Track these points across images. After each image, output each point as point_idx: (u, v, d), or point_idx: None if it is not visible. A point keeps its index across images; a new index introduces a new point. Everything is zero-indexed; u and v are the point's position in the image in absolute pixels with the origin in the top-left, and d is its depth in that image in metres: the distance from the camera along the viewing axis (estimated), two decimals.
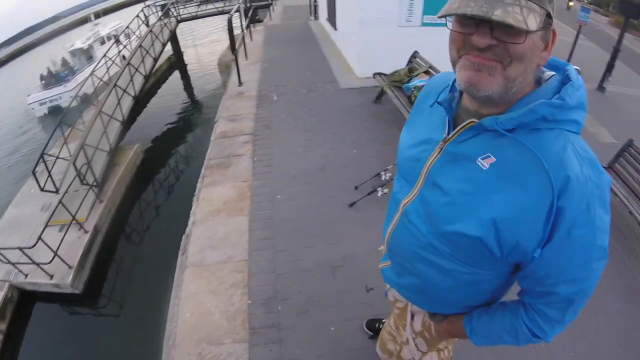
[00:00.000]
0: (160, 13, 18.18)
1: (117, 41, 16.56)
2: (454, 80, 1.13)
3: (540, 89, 1.03)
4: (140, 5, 19.46)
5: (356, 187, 4.55)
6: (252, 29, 12.33)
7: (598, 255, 1.02)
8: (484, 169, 1.05)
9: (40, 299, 7.38)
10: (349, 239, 3.90)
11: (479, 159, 1.07)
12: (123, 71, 11.99)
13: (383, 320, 2.86)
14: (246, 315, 3.17)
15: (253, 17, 13.53)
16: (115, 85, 10.90)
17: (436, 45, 6.74)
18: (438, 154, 1.17)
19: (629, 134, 4.92)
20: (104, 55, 14.28)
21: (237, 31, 9.63)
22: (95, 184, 8.76)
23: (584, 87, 1.04)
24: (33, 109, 19.68)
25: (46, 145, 9.21)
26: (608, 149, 5.18)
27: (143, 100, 15.05)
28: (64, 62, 22.83)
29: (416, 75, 5.89)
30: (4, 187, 13.03)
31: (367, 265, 3.53)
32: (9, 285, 7.05)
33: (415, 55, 6.32)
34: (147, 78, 13.49)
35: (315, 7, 13.55)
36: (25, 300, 7.31)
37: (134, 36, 16.94)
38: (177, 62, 22.37)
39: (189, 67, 22.48)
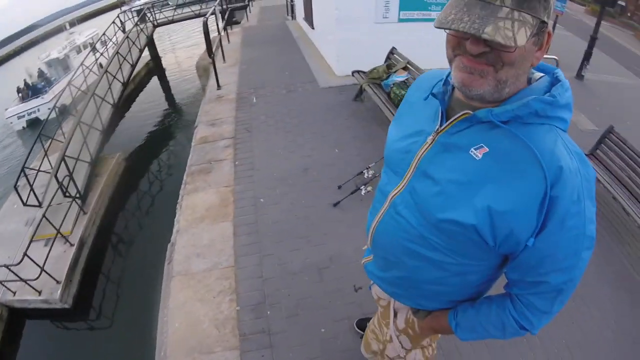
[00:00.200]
0: (136, 18, 17.96)
1: (94, 49, 16.34)
2: (447, 75, 1.17)
3: (532, 87, 1.07)
4: (117, 11, 19.20)
5: (339, 187, 4.57)
6: (229, 31, 12.26)
7: (587, 245, 1.05)
8: (477, 159, 1.08)
9: (31, 316, 7.26)
10: (334, 239, 3.91)
11: (472, 149, 1.09)
12: (101, 79, 11.83)
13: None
14: (236, 322, 3.17)
15: (230, 19, 13.45)
16: (93, 94, 10.75)
17: (413, 41, 6.89)
18: (430, 145, 1.19)
19: (609, 121, 5.01)
20: (81, 64, 14.09)
21: (214, 34, 9.59)
22: (78, 195, 8.63)
23: (571, 90, 1.08)
24: (11, 123, 19.30)
25: (27, 158, 9.05)
26: (589, 136, 5.26)
27: (122, 107, 14.89)
28: (41, 73, 22.41)
29: (394, 72, 5.92)
30: None
31: (354, 264, 3.54)
32: None
33: (393, 51, 6.36)
34: (125, 85, 13.31)
35: (292, 6, 13.51)
36: (15, 318, 7.18)
37: (111, 43, 16.71)
38: (156, 67, 22.12)
39: (167, 72, 22.27)
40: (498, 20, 0.88)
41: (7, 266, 6.48)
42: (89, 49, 19.70)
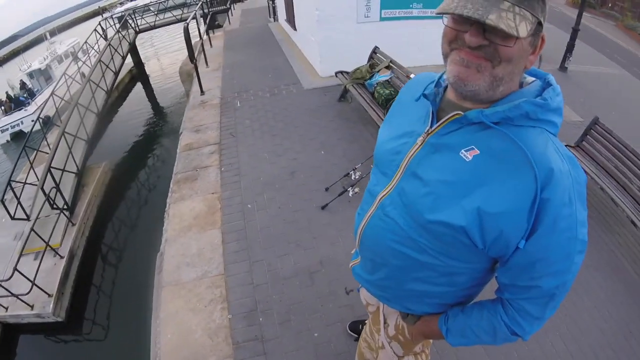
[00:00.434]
0: (117, 25, 17.81)
1: (76, 58, 16.17)
2: (440, 77, 1.19)
3: (523, 90, 1.08)
4: (98, 19, 19.01)
5: (327, 189, 4.58)
6: (211, 35, 12.24)
7: (579, 249, 1.05)
8: (467, 160, 1.08)
9: (24, 331, 7.18)
10: (324, 242, 3.92)
11: (462, 150, 1.09)
12: (84, 89, 11.72)
13: (366, 321, 2.88)
14: (228, 331, 3.17)
15: (212, 23, 13.40)
16: (77, 103, 10.65)
17: (396, 40, 6.91)
18: (420, 146, 1.19)
19: (594, 112, 5.06)
20: (64, 74, 13.93)
21: (196, 39, 9.54)
22: (65, 207, 8.56)
23: (562, 95, 1.09)
24: None
25: (12, 171, 8.99)
26: (575, 128, 5.31)
27: (107, 116, 14.74)
28: (23, 85, 22.14)
29: (378, 71, 5.94)
30: None
31: (344, 267, 3.53)
32: None
33: (375, 50, 6.37)
34: (109, 93, 13.18)
35: (274, 8, 13.48)
36: (9, 334, 7.10)
37: (93, 51, 16.56)
38: (139, 74, 21.89)
39: (151, 79, 22.05)
40: (501, 11, 0.90)
41: None
42: (70, 58, 19.50)
